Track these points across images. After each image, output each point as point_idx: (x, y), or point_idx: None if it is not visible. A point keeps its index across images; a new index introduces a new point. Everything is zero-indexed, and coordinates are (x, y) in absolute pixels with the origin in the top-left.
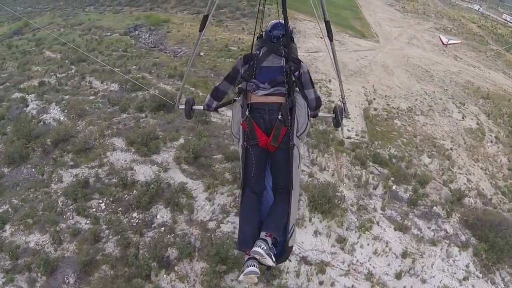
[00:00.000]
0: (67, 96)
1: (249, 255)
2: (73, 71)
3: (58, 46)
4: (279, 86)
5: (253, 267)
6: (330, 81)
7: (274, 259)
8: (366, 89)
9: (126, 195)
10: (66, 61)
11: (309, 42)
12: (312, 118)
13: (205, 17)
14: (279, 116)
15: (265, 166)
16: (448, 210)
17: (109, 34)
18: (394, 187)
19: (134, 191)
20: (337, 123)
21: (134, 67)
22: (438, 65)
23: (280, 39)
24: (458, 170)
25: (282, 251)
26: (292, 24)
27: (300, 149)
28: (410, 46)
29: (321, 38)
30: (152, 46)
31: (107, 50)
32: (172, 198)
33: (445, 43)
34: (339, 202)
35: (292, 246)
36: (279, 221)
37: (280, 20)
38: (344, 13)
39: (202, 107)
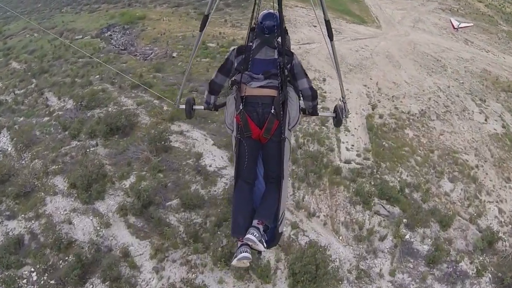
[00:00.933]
0: (21, 118)
1: (242, 241)
2: (33, 85)
3: (25, 55)
4: (272, 79)
5: (246, 253)
6: (324, 80)
7: (265, 245)
8: (368, 88)
9: (61, 261)
10: (29, 73)
11: (300, 32)
12: (311, 117)
13: (205, 17)
14: (272, 110)
15: (257, 157)
16: (479, 266)
17: (80, 37)
18: (407, 236)
19: (70, 255)
20: (338, 122)
21: (97, 76)
22: (448, 52)
23: (273, 30)
24: (487, 198)
25: (272, 237)
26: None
27: (291, 141)
28: (416, 31)
29: (314, 26)
30: (122, 48)
31: (73, 57)
32: (111, 268)
33: (455, 27)
34: (332, 270)
35: (281, 232)
36: (270, 209)
37: (270, 10)
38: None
39: (202, 107)
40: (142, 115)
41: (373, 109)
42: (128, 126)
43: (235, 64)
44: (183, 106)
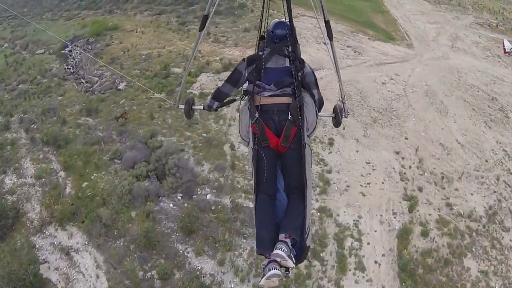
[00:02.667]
0: None
1: (269, 258)
2: None
3: None
4: (285, 87)
5: (275, 270)
6: (331, 143)
7: (294, 260)
8: (403, 158)
9: None
10: None
11: (305, 53)
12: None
13: (205, 17)
14: (289, 117)
15: (276, 168)
16: None
17: (42, 51)
18: None
19: None
20: (337, 123)
21: (20, 116)
22: (501, 84)
23: (284, 39)
24: None
25: (301, 251)
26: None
27: (311, 147)
28: (456, 52)
29: (324, 44)
30: (72, 71)
31: (16, 81)
32: None
33: (508, 50)
34: None
35: (309, 246)
36: (296, 222)
37: (281, 19)
38: (360, 4)
39: (202, 107)
40: (34, 201)
41: (410, 210)
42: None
43: (246, 74)
44: (183, 106)
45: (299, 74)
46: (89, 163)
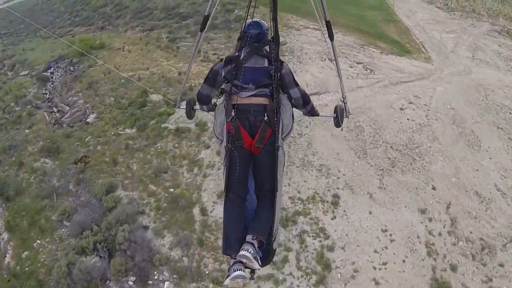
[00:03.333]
0: None
1: (235, 259)
2: None
3: None
4: (263, 87)
5: (240, 271)
6: (335, 202)
7: (260, 263)
8: (430, 220)
9: None
10: None
11: (307, 72)
12: (313, 117)
13: (205, 18)
14: (265, 118)
15: (248, 169)
16: None
17: (26, 72)
18: None
19: None
20: (338, 123)
21: None
22: None
23: (259, 38)
24: None
25: (267, 253)
26: (284, 35)
27: (285, 150)
28: (478, 64)
29: (331, 60)
30: (47, 98)
31: None
32: None
33: None
34: None
35: (276, 249)
36: (264, 224)
37: (256, 19)
38: (370, 14)
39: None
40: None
41: None
42: None
43: (223, 74)
44: (184, 107)
45: (278, 75)
46: (34, 224)
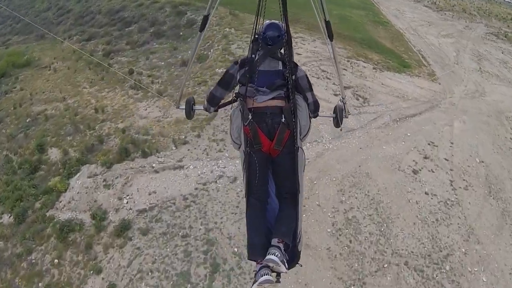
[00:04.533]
0: None
1: (261, 263)
2: None
3: None
4: (278, 90)
5: (267, 276)
6: None
7: (287, 266)
8: None
9: None
10: None
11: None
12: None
13: (205, 18)
14: (283, 119)
15: (268, 172)
16: None
17: None
18: None
19: None
20: (338, 123)
21: None
22: None
23: (276, 41)
24: None
25: (293, 256)
26: None
27: (304, 151)
28: (488, 79)
29: (335, 95)
30: None
31: None
32: None
33: None
34: None
35: (301, 251)
36: (289, 227)
37: (274, 20)
38: (355, 14)
39: (202, 107)
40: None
41: None
42: None
43: (238, 77)
44: (183, 107)
45: (293, 77)
46: None
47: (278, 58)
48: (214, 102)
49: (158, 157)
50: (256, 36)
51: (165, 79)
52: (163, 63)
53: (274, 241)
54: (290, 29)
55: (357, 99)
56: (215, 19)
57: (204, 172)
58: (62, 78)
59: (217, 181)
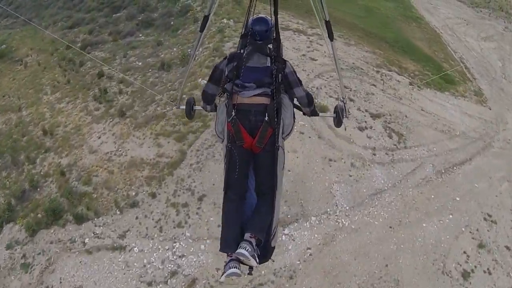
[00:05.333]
0: None
1: (231, 256)
2: None
3: None
4: (265, 87)
5: (235, 269)
6: None
7: (257, 260)
8: None
9: None
10: None
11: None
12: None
13: (205, 18)
14: (266, 118)
15: (248, 168)
16: None
17: None
18: None
19: None
20: (338, 123)
21: None
22: None
23: (265, 36)
24: None
25: (265, 251)
26: None
27: (284, 150)
28: None
29: (359, 125)
30: None
31: None
32: None
33: None
34: None
35: (274, 247)
36: (263, 223)
37: (262, 15)
38: (382, 6)
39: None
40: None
41: None
42: None
43: (226, 72)
44: (184, 107)
45: (280, 75)
46: None
47: (267, 54)
48: (208, 100)
49: (96, 225)
50: (245, 31)
51: (136, 88)
52: (141, 63)
53: (247, 235)
54: (303, 20)
55: (390, 137)
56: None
57: (152, 263)
58: (28, 77)
59: (168, 282)
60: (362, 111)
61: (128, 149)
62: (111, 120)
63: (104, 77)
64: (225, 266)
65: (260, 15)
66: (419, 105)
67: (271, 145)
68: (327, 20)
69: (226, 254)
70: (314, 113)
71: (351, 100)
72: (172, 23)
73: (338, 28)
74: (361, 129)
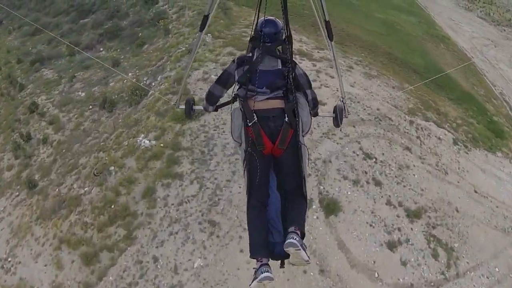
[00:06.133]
0: None
1: (261, 261)
2: None
3: None
4: (278, 90)
5: (267, 273)
6: None
7: (307, 253)
8: None
9: None
10: None
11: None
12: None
13: (205, 17)
14: (286, 119)
15: (268, 173)
16: None
17: None
18: None
19: None
20: (337, 123)
21: None
22: None
23: (274, 39)
24: None
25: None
26: None
27: (306, 145)
28: None
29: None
30: None
31: None
32: None
33: None
34: None
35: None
36: (302, 216)
37: (270, 17)
38: (404, 21)
39: (202, 107)
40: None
41: None
42: None
43: (236, 77)
44: (183, 107)
45: (292, 75)
46: None
47: (277, 56)
48: (212, 101)
49: None
50: (253, 34)
51: (66, 136)
52: (84, 94)
53: (291, 228)
54: (307, 36)
55: (436, 257)
56: (191, 13)
57: None
58: None
59: None
60: (394, 206)
61: (19, 262)
62: (16, 194)
63: (37, 111)
64: (256, 271)
65: (269, 17)
66: (470, 182)
67: (293, 144)
68: (327, 20)
69: (256, 259)
70: (315, 114)
71: (377, 184)
72: (140, 34)
73: (355, 50)
74: (391, 246)
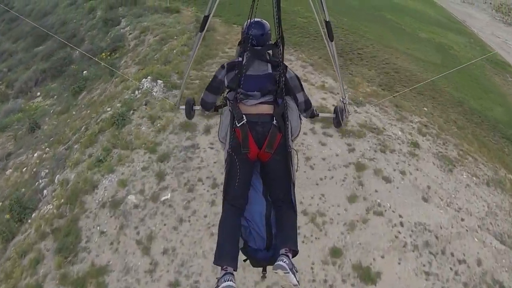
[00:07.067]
0: None
1: (226, 270)
2: None
3: None
4: (269, 94)
5: (230, 282)
6: None
7: (297, 278)
8: None
9: None
10: None
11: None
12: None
13: (205, 18)
14: (274, 122)
15: (250, 178)
16: None
17: None
18: None
19: None
20: (338, 123)
21: None
22: None
23: (262, 41)
24: None
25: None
26: None
27: (295, 150)
28: None
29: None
30: None
31: None
32: None
33: None
34: None
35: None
36: (293, 231)
37: (257, 19)
38: (453, 42)
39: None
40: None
41: None
42: None
43: (226, 82)
44: (183, 107)
45: (283, 79)
46: None
47: (267, 60)
48: (207, 107)
49: None
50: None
51: None
52: None
53: (282, 250)
54: (309, 56)
55: None
56: (153, 39)
57: None
58: None
59: None
60: None
61: None
62: None
63: None
64: (218, 280)
65: (255, 19)
66: None
67: (282, 149)
68: (327, 20)
69: (220, 267)
70: (313, 115)
71: None
72: (84, 72)
73: (413, 102)
74: None
